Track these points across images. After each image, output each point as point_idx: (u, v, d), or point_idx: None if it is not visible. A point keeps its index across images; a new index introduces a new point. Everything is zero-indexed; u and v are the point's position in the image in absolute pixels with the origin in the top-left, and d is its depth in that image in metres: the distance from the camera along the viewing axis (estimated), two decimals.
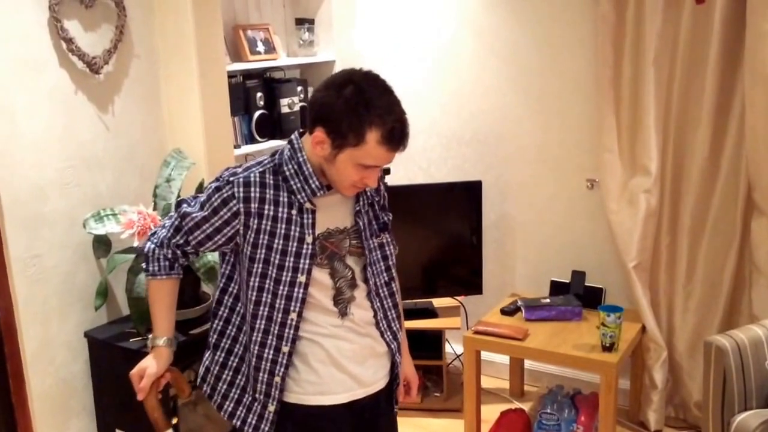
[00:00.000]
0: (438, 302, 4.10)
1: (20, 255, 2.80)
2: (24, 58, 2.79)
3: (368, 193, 2.08)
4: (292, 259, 1.94)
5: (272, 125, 3.96)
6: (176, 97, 3.37)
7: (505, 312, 3.72)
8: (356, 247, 2.04)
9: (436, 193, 3.98)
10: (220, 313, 2.12)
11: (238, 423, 2.09)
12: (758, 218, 3.34)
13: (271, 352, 2.00)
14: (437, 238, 3.96)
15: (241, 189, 1.91)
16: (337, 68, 4.39)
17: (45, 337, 2.91)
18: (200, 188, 3.21)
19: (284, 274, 1.94)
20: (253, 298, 1.99)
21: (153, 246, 2.08)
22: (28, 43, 2.80)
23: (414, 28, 4.18)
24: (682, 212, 3.57)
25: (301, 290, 1.95)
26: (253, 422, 2.07)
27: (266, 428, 2.05)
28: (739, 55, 3.29)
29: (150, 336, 2.11)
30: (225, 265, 2.08)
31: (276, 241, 1.93)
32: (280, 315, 1.97)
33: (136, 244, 2.86)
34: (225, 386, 2.13)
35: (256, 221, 1.92)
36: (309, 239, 1.94)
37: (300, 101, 4.13)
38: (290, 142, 1.97)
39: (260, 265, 1.96)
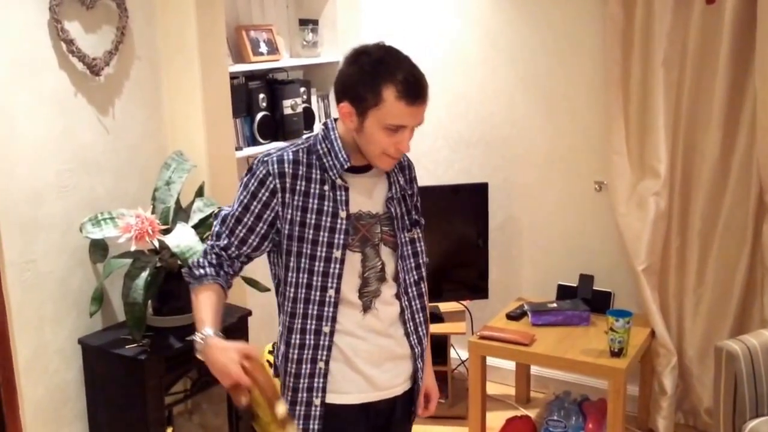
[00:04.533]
0: (443, 306, 4.07)
1: (15, 260, 2.78)
2: (23, 60, 2.77)
3: (401, 183, 2.09)
4: (326, 234, 1.95)
5: (275, 127, 3.93)
6: (177, 98, 3.35)
7: (511, 317, 3.70)
8: (389, 235, 2.04)
9: (442, 195, 3.94)
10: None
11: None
12: None
13: (312, 336, 1.99)
14: (443, 241, 3.92)
15: (275, 166, 1.94)
16: None
17: (38, 344, 2.89)
18: (200, 191, 3.19)
19: (319, 249, 1.96)
20: (291, 280, 1.99)
21: (197, 258, 2.03)
22: (27, 45, 2.78)
23: (420, 28, 4.15)
24: (692, 215, 3.54)
25: (338, 266, 1.96)
26: (300, 425, 2.02)
27: (315, 427, 2.02)
28: (750, 55, 3.26)
29: (196, 335, 1.90)
30: (274, 267, 2.07)
31: (309, 216, 1.95)
32: (318, 294, 1.97)
33: (133, 248, 2.84)
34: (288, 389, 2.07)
35: (289, 196, 1.94)
36: (343, 214, 1.96)
37: (303, 102, 4.10)
38: (324, 125, 2.02)
39: (295, 243, 1.96)
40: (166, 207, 3.05)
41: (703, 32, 3.34)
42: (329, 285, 1.97)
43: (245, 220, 1.97)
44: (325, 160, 1.97)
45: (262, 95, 3.86)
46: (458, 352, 4.18)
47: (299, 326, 2.00)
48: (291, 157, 1.95)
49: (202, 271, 1.99)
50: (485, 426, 3.59)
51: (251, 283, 3.10)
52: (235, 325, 3.16)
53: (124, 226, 2.86)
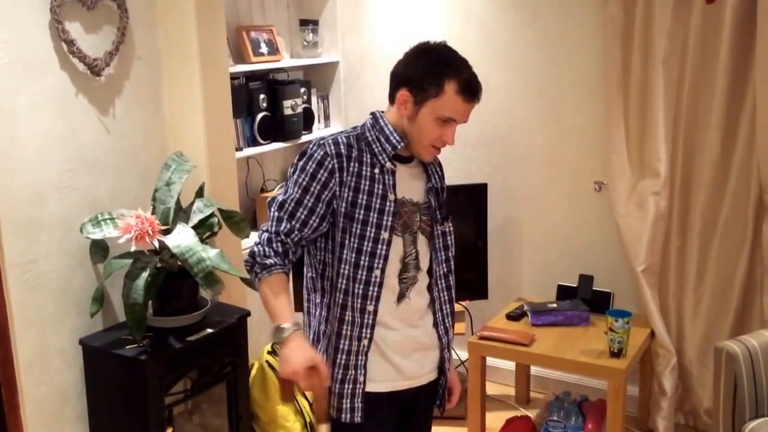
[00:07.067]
0: None
1: (16, 260, 2.77)
2: (25, 60, 2.76)
3: (438, 175, 2.20)
4: (375, 215, 2.04)
5: (275, 127, 3.93)
6: (178, 99, 3.35)
7: (510, 317, 3.69)
8: (427, 224, 2.14)
9: None
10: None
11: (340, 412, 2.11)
12: None
13: (356, 314, 2.06)
14: None
15: (332, 147, 2.03)
16: (342, 70, 4.38)
17: (39, 344, 2.88)
18: (200, 192, 3.19)
19: (368, 229, 2.04)
20: (339, 256, 2.06)
21: (261, 247, 2.05)
22: (28, 45, 2.78)
23: (419, 28, 4.14)
24: (692, 215, 3.54)
25: (384, 247, 2.05)
26: (347, 405, 2.10)
27: (360, 405, 2.08)
28: (750, 54, 3.26)
29: (274, 328, 1.98)
30: (319, 253, 2.12)
31: (360, 196, 2.03)
32: (364, 273, 2.04)
33: (133, 248, 2.83)
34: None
35: (346, 176, 2.03)
36: (391, 197, 2.06)
37: (303, 103, 4.10)
38: (372, 114, 2.12)
39: (345, 221, 2.04)
40: (166, 207, 3.05)
41: (703, 31, 3.35)
42: (375, 265, 2.05)
43: (305, 201, 2.03)
44: (374, 146, 2.07)
45: (262, 96, 3.87)
46: (458, 353, 4.17)
47: (350, 304, 2.06)
48: (345, 140, 2.06)
49: (270, 260, 2.02)
50: (485, 426, 3.58)
51: (250, 283, 3.09)
52: (234, 326, 3.16)
53: (124, 226, 2.85)
